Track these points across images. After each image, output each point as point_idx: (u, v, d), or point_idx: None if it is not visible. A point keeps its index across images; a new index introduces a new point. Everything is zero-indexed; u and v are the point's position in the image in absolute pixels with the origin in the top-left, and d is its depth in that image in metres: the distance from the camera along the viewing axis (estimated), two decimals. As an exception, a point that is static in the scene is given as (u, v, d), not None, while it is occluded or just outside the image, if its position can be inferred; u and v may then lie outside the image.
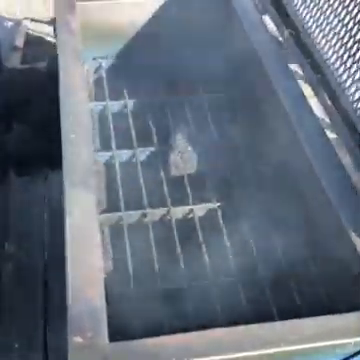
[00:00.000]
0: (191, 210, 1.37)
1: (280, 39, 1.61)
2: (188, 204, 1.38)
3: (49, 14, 2.29)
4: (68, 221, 1.11)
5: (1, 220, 1.98)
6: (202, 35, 1.74)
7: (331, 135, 1.35)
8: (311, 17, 1.44)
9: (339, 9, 1.35)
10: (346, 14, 1.35)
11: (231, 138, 1.57)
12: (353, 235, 1.09)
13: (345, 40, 1.34)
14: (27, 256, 1.92)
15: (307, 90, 1.46)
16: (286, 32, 1.53)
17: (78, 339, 0.90)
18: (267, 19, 1.64)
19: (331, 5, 1.37)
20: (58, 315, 1.76)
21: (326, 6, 1.39)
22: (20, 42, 2.77)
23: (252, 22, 1.63)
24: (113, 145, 1.51)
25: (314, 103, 1.42)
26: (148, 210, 1.36)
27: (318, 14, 1.41)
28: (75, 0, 1.63)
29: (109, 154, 1.49)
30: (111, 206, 1.40)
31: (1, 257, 1.89)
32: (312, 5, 1.44)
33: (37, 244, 1.95)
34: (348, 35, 1.34)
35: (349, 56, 1.32)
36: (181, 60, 1.74)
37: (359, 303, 1.02)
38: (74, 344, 0.89)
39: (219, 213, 1.37)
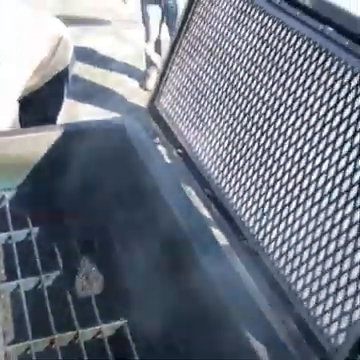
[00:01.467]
0: (99, 330, 1.39)
1: (169, 160, 1.75)
2: (96, 324, 1.41)
3: None
4: None
5: None
6: (100, 163, 1.84)
7: (222, 241, 1.44)
8: (194, 138, 1.60)
9: (219, 134, 1.51)
10: (225, 139, 1.51)
11: (136, 257, 1.63)
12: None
13: (227, 160, 1.47)
14: None
15: (197, 202, 1.58)
16: (175, 152, 1.67)
17: None
18: (158, 141, 1.79)
19: (209, 127, 1.54)
20: None
21: (204, 128, 1.55)
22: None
23: (145, 147, 1.77)
24: (18, 274, 1.53)
25: (206, 213, 1.54)
26: (56, 335, 1.37)
27: (199, 135, 1.57)
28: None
29: (14, 283, 1.51)
30: (19, 336, 1.40)
31: None
32: (193, 128, 1.61)
33: None
34: (229, 157, 1.48)
35: (232, 176, 1.45)
36: (83, 188, 1.83)
37: None
38: None
39: (127, 330, 1.40)
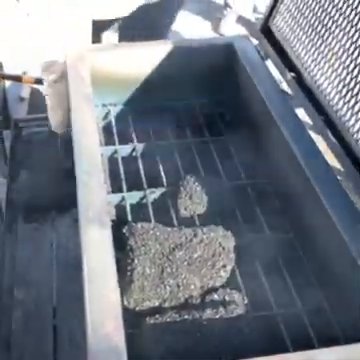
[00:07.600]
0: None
1: (283, 83, 1.67)
2: (200, 243, 1.40)
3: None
4: (85, 258, 1.13)
5: (10, 267, 1.99)
6: (207, 82, 1.80)
7: (339, 175, 1.38)
8: (313, 60, 1.50)
9: (340, 52, 1.41)
10: (347, 57, 1.41)
11: (238, 178, 1.60)
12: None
13: (347, 81, 1.39)
14: (35, 302, 1.92)
15: (312, 132, 1.50)
16: (289, 75, 1.59)
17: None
18: (270, 64, 1.71)
19: (329, 46, 1.43)
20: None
21: (325, 49, 1.45)
22: (26, 93, 2.85)
23: (255, 67, 1.69)
24: (124, 187, 1.54)
25: (320, 143, 1.46)
26: (160, 250, 1.38)
27: (319, 57, 1.48)
28: (85, 50, 1.70)
29: (120, 196, 1.52)
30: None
31: (10, 304, 1.89)
32: (313, 49, 1.51)
33: (45, 290, 1.95)
34: (349, 76, 1.39)
35: (351, 96, 1.37)
36: (187, 106, 1.81)
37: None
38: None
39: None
